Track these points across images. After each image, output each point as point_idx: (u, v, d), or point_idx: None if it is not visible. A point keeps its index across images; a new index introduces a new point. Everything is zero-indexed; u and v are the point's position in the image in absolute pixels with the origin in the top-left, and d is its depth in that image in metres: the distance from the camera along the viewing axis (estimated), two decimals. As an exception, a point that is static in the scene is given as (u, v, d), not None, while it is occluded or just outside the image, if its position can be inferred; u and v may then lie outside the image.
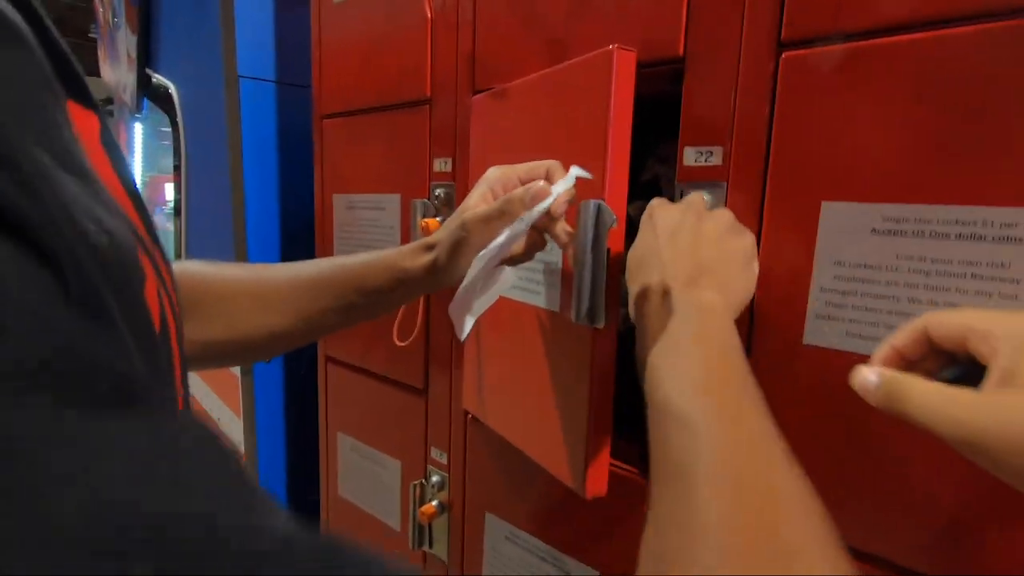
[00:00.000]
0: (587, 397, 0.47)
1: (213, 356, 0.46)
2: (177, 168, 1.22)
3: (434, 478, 0.76)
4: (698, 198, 0.44)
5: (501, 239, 0.43)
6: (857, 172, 0.40)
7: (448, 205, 0.68)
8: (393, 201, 0.75)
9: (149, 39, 1.30)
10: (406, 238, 0.74)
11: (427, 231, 0.66)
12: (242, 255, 1.02)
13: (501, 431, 0.60)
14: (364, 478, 0.88)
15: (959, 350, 0.28)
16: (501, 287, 0.47)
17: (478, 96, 0.61)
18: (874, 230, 0.40)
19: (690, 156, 0.48)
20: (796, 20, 0.42)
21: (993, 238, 0.35)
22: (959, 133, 0.36)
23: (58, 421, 0.12)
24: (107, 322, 0.15)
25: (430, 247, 0.46)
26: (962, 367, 0.28)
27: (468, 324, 0.48)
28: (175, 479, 0.13)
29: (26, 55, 0.17)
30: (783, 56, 0.42)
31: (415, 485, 0.76)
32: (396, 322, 0.74)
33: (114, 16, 1.54)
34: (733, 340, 0.34)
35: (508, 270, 0.47)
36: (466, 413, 0.70)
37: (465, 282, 0.44)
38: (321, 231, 0.88)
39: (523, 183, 0.46)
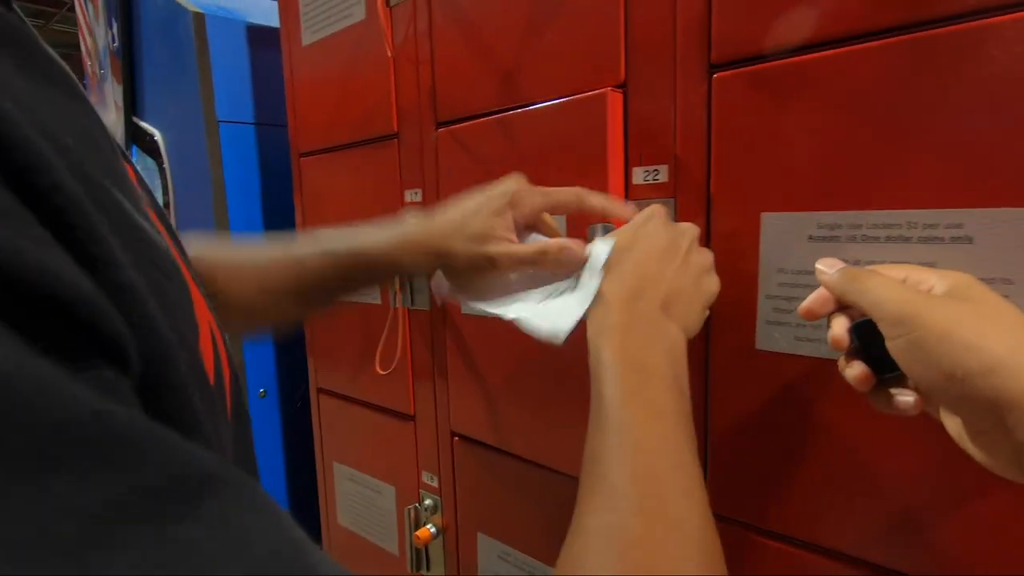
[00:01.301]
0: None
1: None
2: (166, 206, 1.25)
3: (427, 501, 0.77)
4: (663, 210, 0.43)
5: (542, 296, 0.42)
6: (790, 183, 0.42)
7: (421, 234, 0.70)
8: (370, 233, 0.77)
9: (134, 89, 1.34)
10: (384, 268, 0.76)
11: (402, 261, 0.68)
12: (232, 293, 1.04)
13: (518, 451, 0.61)
14: (361, 505, 0.89)
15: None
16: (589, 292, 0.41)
17: (452, 128, 0.64)
18: (811, 237, 0.41)
19: (638, 175, 0.50)
20: (723, 42, 0.44)
21: (918, 239, 0.37)
22: (876, 142, 0.38)
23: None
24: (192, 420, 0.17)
25: (440, 254, 0.44)
26: (867, 320, 0.32)
27: (567, 324, 0.40)
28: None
29: (86, 106, 0.18)
30: (714, 77, 0.44)
31: (410, 509, 0.77)
32: (378, 350, 0.76)
33: (100, 68, 1.58)
34: (684, 376, 0.36)
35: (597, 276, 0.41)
36: (452, 435, 0.71)
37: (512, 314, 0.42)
38: (305, 265, 0.90)
39: (545, 210, 0.45)
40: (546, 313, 0.41)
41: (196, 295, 0.22)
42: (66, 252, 0.14)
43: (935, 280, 0.31)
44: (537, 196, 0.44)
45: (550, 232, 0.47)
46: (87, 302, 0.14)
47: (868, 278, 0.32)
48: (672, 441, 0.30)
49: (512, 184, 0.45)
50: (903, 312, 0.29)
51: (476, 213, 0.44)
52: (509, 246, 0.43)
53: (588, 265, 0.40)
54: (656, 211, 0.41)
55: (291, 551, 0.14)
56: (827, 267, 0.35)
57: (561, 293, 0.42)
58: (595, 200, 0.44)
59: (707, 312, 0.41)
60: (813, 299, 0.36)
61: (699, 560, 0.26)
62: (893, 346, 0.29)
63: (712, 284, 0.41)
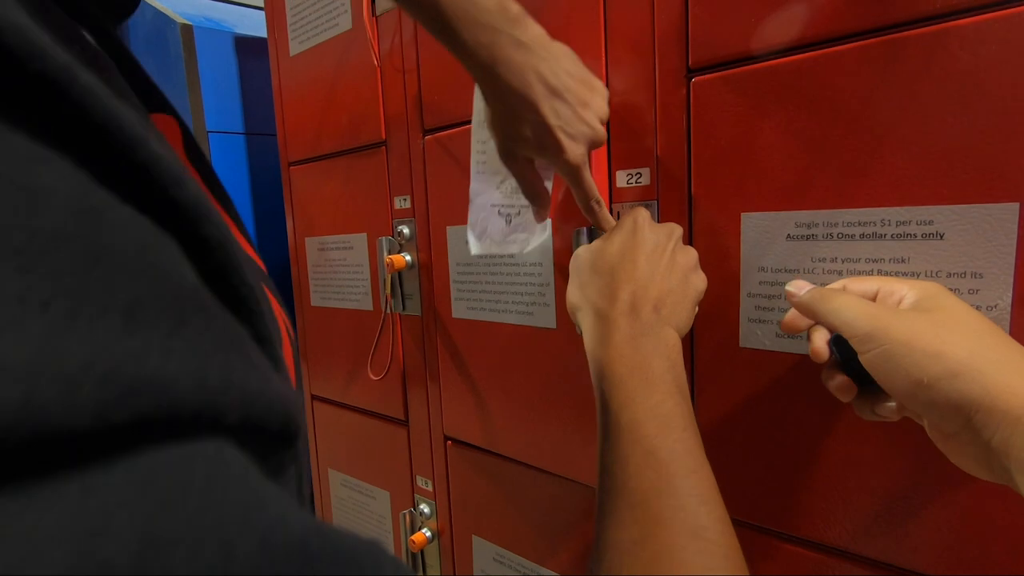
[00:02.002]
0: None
1: None
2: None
3: (422, 506, 0.77)
4: (646, 213, 0.44)
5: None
6: (769, 184, 0.43)
7: (412, 240, 0.71)
8: (360, 240, 0.78)
9: (123, 100, 1.34)
10: (375, 274, 0.76)
11: (392, 267, 0.69)
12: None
13: (511, 454, 0.62)
14: (356, 512, 0.90)
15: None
16: (541, 237, 0.51)
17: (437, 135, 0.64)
18: (789, 236, 0.42)
19: (621, 178, 0.51)
20: (700, 47, 0.45)
21: (892, 235, 0.38)
22: (849, 142, 0.39)
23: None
24: None
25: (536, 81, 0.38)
26: (841, 338, 0.33)
27: (483, 246, 0.52)
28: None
29: (109, 77, 0.17)
30: (693, 81, 0.45)
31: (405, 514, 0.78)
32: (370, 356, 0.76)
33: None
34: (683, 377, 0.37)
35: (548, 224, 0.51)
36: (446, 439, 0.72)
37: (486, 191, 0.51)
38: (297, 274, 0.91)
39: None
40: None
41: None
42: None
43: (906, 290, 0.32)
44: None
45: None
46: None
47: (835, 299, 0.33)
48: (683, 447, 0.31)
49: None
50: (871, 327, 0.30)
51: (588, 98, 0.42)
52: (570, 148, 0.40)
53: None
54: (639, 216, 0.42)
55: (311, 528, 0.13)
56: (796, 289, 0.35)
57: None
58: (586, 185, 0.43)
59: (696, 309, 0.42)
60: (793, 314, 0.37)
61: (723, 565, 0.26)
62: (865, 360, 0.31)
63: (700, 281, 0.42)
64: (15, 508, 0.08)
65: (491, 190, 0.51)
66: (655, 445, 0.30)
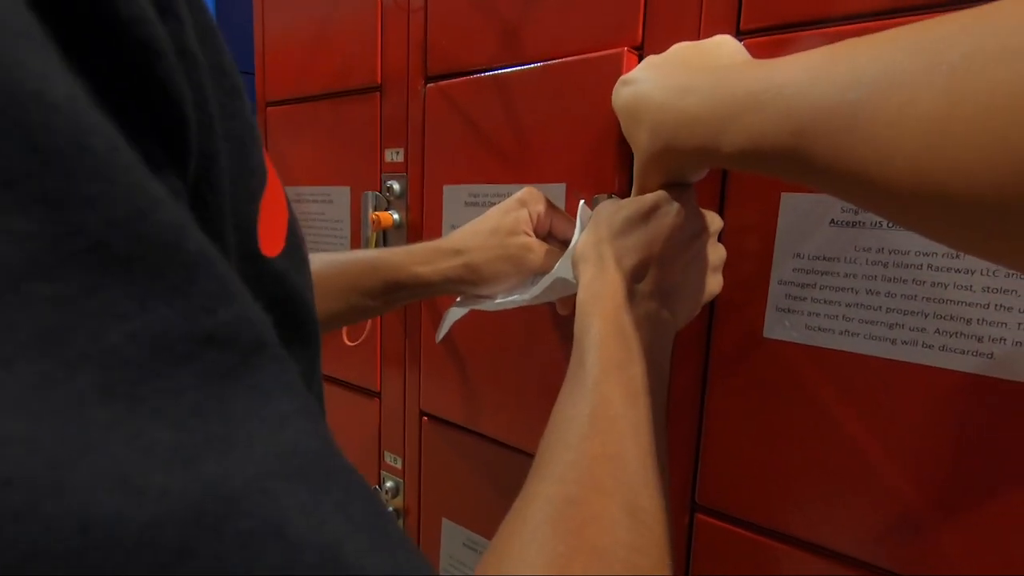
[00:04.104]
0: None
1: None
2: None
3: (388, 483, 0.73)
4: (692, 194, 0.39)
5: (537, 291, 0.44)
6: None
7: (401, 197, 0.65)
8: (342, 194, 0.71)
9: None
10: (356, 231, 0.70)
11: (378, 224, 0.63)
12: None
13: (491, 432, 0.58)
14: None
15: None
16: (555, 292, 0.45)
17: (444, 83, 0.58)
18: (833, 221, 0.39)
19: (649, 146, 0.47)
20: (755, 8, 0.41)
21: (948, 229, 0.35)
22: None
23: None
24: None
25: (458, 251, 0.46)
26: None
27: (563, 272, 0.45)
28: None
29: None
30: (743, 43, 0.41)
31: (368, 491, 0.73)
32: (346, 321, 0.71)
33: None
34: (667, 365, 0.36)
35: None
36: (421, 414, 0.67)
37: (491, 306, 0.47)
38: (266, 226, 0.83)
39: (552, 210, 0.48)
40: (545, 282, 0.43)
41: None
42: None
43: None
44: (543, 198, 0.47)
45: (568, 228, 0.47)
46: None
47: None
48: (647, 426, 0.29)
49: (520, 192, 0.47)
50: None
51: (494, 216, 0.46)
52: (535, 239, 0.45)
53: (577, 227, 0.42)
54: (687, 196, 0.38)
55: (320, 447, 0.13)
56: None
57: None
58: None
59: (699, 310, 0.40)
60: None
61: (654, 553, 0.24)
62: None
63: (716, 284, 0.41)
64: None
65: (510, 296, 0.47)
66: (619, 413, 0.28)
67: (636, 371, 0.31)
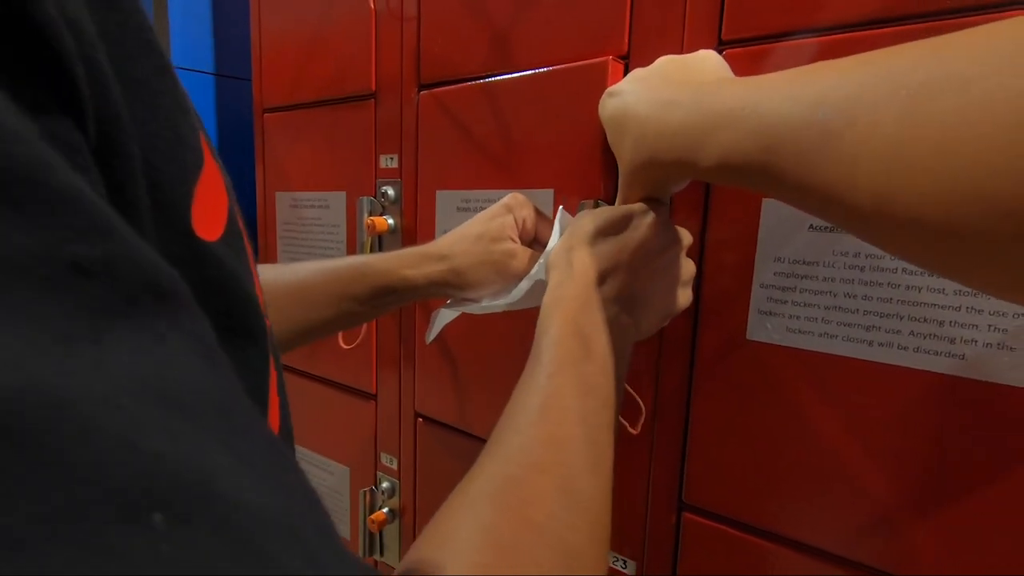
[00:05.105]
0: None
1: None
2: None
3: (384, 484, 0.74)
4: (665, 211, 0.40)
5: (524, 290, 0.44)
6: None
7: (396, 202, 0.66)
8: (338, 199, 0.72)
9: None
10: (352, 236, 0.71)
11: (373, 229, 0.64)
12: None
13: (485, 434, 0.59)
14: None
15: None
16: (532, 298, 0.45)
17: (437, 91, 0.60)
18: (812, 226, 0.40)
19: (635, 153, 0.48)
20: (736, 20, 0.42)
21: (922, 234, 0.36)
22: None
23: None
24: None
25: (443, 257, 0.46)
26: None
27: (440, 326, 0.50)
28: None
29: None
30: (724, 54, 0.42)
31: (364, 492, 0.74)
32: (342, 324, 0.72)
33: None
34: (623, 369, 0.37)
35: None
36: (416, 416, 0.68)
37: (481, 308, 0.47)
38: (264, 230, 0.85)
39: (537, 217, 0.48)
40: (524, 285, 0.44)
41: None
42: None
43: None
44: (529, 203, 0.48)
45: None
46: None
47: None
48: (595, 419, 0.30)
49: (506, 198, 0.48)
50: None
51: (481, 222, 0.47)
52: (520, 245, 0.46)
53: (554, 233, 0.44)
54: (659, 211, 0.39)
55: (212, 386, 0.12)
56: None
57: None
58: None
59: (665, 323, 0.41)
60: None
61: (590, 534, 0.25)
62: None
63: (685, 298, 0.41)
64: None
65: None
66: (569, 405, 0.29)
67: (590, 369, 0.32)
